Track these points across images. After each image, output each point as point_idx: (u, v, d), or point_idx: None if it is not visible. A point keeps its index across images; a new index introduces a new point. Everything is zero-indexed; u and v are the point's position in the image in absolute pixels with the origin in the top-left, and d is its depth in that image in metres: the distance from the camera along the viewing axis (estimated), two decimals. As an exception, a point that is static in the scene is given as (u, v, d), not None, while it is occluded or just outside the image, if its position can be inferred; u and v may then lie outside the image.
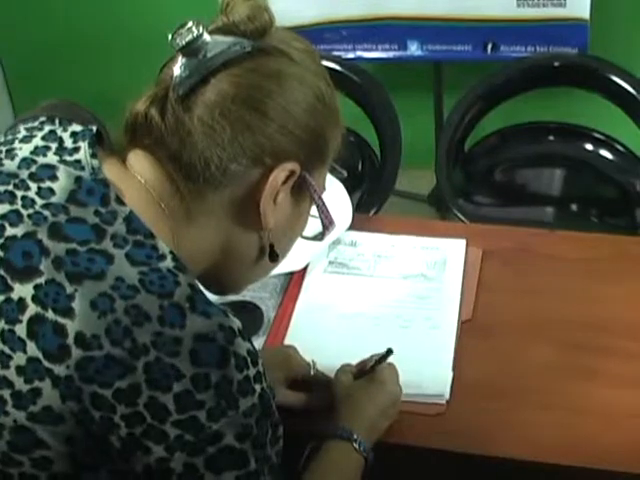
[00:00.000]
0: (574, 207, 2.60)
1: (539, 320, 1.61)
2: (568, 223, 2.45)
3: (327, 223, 1.17)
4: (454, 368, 1.50)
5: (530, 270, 1.73)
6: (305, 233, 1.22)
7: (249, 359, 0.99)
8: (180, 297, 0.97)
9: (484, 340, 1.57)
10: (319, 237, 1.21)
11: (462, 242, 1.77)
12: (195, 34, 1.05)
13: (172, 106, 1.05)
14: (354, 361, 1.45)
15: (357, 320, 1.62)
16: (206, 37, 1.06)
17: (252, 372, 0.99)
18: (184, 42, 1.05)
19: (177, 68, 1.06)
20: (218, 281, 1.17)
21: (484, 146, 2.77)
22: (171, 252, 1.01)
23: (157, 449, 0.95)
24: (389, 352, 1.42)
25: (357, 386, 1.39)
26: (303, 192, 1.13)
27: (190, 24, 1.06)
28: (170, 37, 1.07)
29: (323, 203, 1.15)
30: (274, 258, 1.16)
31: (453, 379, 1.48)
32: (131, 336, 0.94)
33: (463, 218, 2.40)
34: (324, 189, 1.17)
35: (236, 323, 1.00)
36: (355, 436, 1.30)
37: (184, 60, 1.06)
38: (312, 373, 1.46)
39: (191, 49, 1.06)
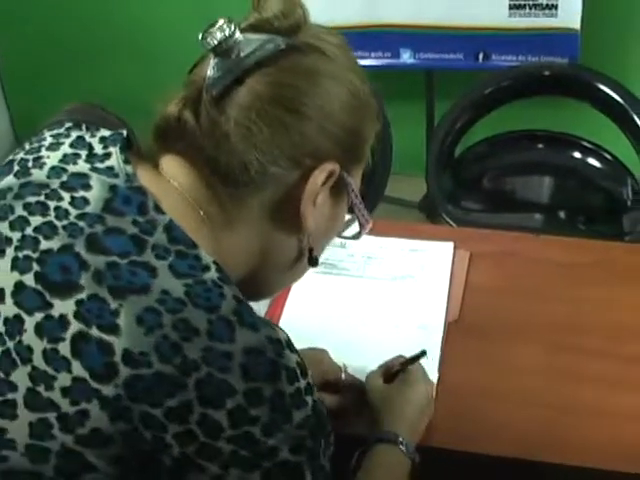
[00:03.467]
0: (562, 214, 2.63)
1: (524, 322, 1.63)
2: (556, 230, 2.47)
3: (364, 222, 1.14)
4: (440, 368, 1.52)
5: (516, 273, 1.75)
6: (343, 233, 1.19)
7: (298, 371, 0.95)
8: (227, 310, 0.93)
9: (470, 340, 1.59)
10: (357, 236, 1.17)
11: (450, 245, 1.80)
12: (227, 33, 1.01)
13: (206, 108, 1.00)
14: (345, 360, 1.47)
15: (346, 320, 1.64)
16: (238, 35, 1.02)
17: (303, 384, 0.95)
18: (215, 41, 1.01)
19: (209, 69, 1.01)
20: (254, 286, 1.09)
21: (474, 153, 2.80)
22: (214, 262, 0.96)
23: (211, 467, 0.91)
24: (423, 353, 1.45)
25: (393, 390, 1.40)
26: (341, 192, 1.09)
27: (221, 22, 1.02)
28: (200, 36, 1.02)
29: (360, 202, 1.11)
30: (314, 262, 1.13)
31: (439, 379, 1.50)
32: (181, 352, 0.89)
33: (452, 223, 2.43)
34: (360, 188, 1.13)
35: (283, 334, 0.96)
36: (400, 439, 1.31)
37: (216, 60, 1.02)
38: (343, 377, 1.46)
39: (223, 49, 1.01)
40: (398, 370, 1.44)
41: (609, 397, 1.47)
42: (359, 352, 1.54)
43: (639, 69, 3.14)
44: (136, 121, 1.11)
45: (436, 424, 1.41)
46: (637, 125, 2.51)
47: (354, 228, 1.18)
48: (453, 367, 1.53)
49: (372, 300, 1.68)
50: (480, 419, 1.45)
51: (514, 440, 1.41)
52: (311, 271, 1.63)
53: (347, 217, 1.17)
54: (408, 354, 1.48)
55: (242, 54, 1.02)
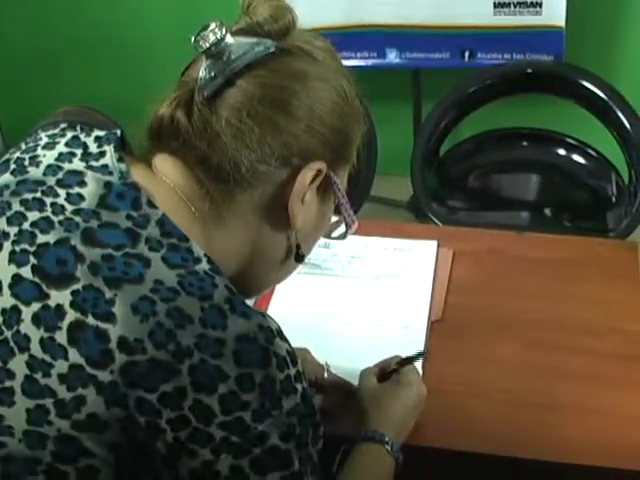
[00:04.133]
0: (547, 211, 2.63)
1: (508, 320, 1.64)
2: (541, 227, 2.47)
3: (350, 222, 1.17)
4: (424, 367, 1.52)
5: (500, 271, 1.75)
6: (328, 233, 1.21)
7: (289, 359, 0.98)
8: (219, 299, 0.96)
9: (454, 339, 1.60)
10: (342, 236, 1.20)
11: (433, 243, 1.80)
12: (218, 36, 1.04)
13: (198, 108, 1.04)
14: (328, 359, 1.48)
15: (329, 320, 1.64)
16: (229, 39, 1.05)
17: (292, 372, 0.98)
18: (207, 44, 1.04)
19: (201, 70, 1.05)
20: (245, 283, 1.12)
21: (459, 152, 2.80)
22: (205, 255, 1.00)
23: (203, 452, 0.93)
24: (421, 354, 1.45)
25: (385, 389, 1.40)
26: (328, 191, 1.13)
27: (213, 26, 1.05)
28: (193, 39, 1.05)
29: (347, 202, 1.15)
30: (300, 258, 1.16)
31: (423, 378, 1.48)
32: (175, 339, 0.92)
33: (437, 222, 2.43)
34: (346, 187, 1.16)
35: (274, 324, 0.99)
36: (387, 438, 1.31)
37: (208, 62, 1.05)
38: (326, 375, 1.46)
39: (215, 51, 1.04)
40: (393, 370, 1.44)
41: (591, 394, 1.48)
42: (342, 351, 1.54)
43: (624, 66, 3.15)
44: (126, 125, 1.14)
45: (419, 422, 1.41)
46: (621, 121, 2.51)
47: (341, 228, 1.20)
48: (436, 366, 1.53)
49: (355, 300, 1.69)
50: (463, 417, 1.46)
51: (497, 438, 1.42)
52: (295, 271, 1.64)
53: (334, 219, 1.19)
54: (391, 353, 1.49)
55: (233, 56, 1.05)
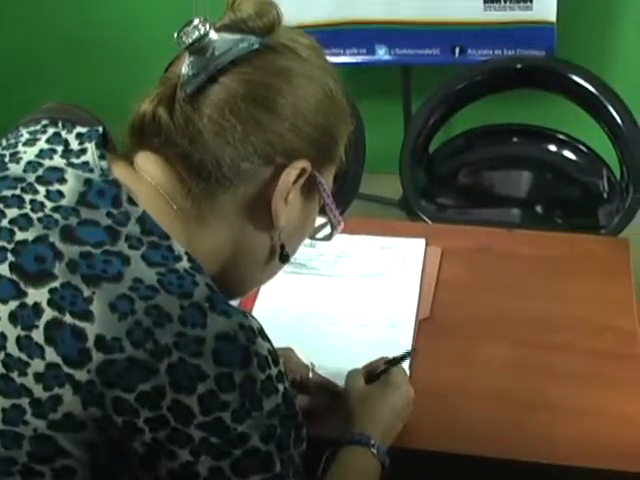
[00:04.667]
0: (538, 208, 2.61)
1: (497, 318, 1.62)
2: (532, 224, 2.45)
3: (335, 223, 1.16)
4: (411, 366, 1.49)
5: (489, 269, 1.74)
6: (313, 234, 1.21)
7: (270, 358, 0.97)
8: (199, 297, 0.95)
9: (441, 339, 1.58)
10: (327, 237, 1.19)
11: (421, 241, 1.78)
12: (202, 32, 1.03)
13: (180, 105, 1.03)
14: (313, 359, 1.45)
15: (315, 319, 1.62)
16: (213, 35, 1.04)
17: (274, 372, 0.97)
18: (190, 40, 1.03)
19: (184, 67, 1.04)
20: (228, 283, 1.11)
21: (448, 148, 2.79)
22: (186, 253, 0.99)
23: (182, 453, 0.93)
24: (408, 354, 1.43)
25: (372, 391, 1.38)
26: (313, 191, 1.12)
27: (196, 22, 1.04)
28: (176, 35, 1.04)
29: (332, 202, 1.14)
30: (284, 259, 1.15)
31: (410, 378, 1.46)
32: (153, 337, 0.91)
33: (427, 219, 2.41)
34: (332, 188, 1.15)
35: (256, 323, 0.98)
36: (373, 441, 1.29)
37: (191, 58, 1.04)
38: (311, 375, 1.45)
39: (198, 47, 1.03)
40: (381, 371, 1.42)
41: (582, 393, 1.46)
42: (328, 352, 1.52)
43: (615, 61, 3.14)
44: (114, 125, 1.13)
45: (407, 424, 1.39)
46: (613, 117, 2.50)
47: (326, 229, 1.19)
48: (424, 365, 1.51)
49: (342, 299, 1.67)
50: (451, 418, 1.43)
51: (486, 439, 1.40)
52: (280, 271, 1.62)
53: (321, 220, 1.18)
54: (378, 353, 1.47)
55: (217, 53, 1.04)
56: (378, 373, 1.42)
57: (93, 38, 3.45)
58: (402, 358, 1.44)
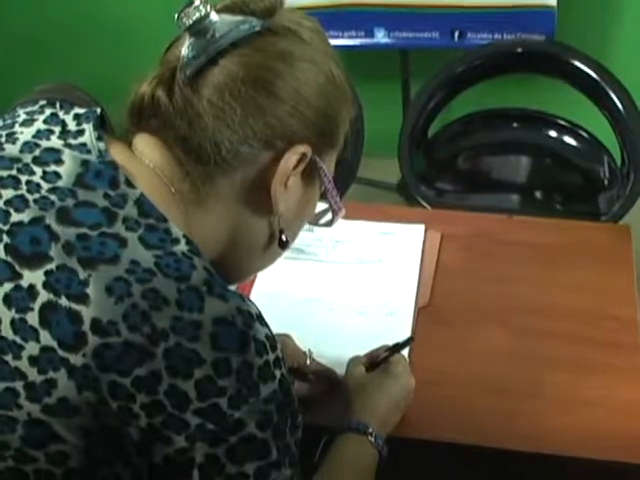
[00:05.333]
0: (538, 194, 2.59)
1: (497, 306, 1.61)
2: (532, 210, 2.44)
3: (336, 209, 1.15)
4: (410, 354, 1.49)
5: (488, 255, 1.72)
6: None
7: (268, 344, 0.96)
8: (197, 280, 0.94)
9: (441, 326, 1.57)
10: (328, 223, 1.19)
11: (421, 227, 1.77)
12: (202, 13, 1.02)
13: (180, 87, 1.02)
14: (311, 346, 1.45)
15: (312, 306, 1.61)
16: (214, 16, 1.03)
17: (272, 357, 0.96)
18: (191, 21, 1.02)
19: (184, 48, 1.03)
20: (226, 269, 1.10)
21: (447, 133, 2.77)
22: (184, 236, 0.98)
23: (178, 439, 0.92)
24: (410, 340, 1.42)
25: (371, 379, 1.38)
26: (313, 176, 1.10)
27: (197, 2, 1.02)
28: (176, 16, 1.03)
29: (333, 188, 1.12)
30: (283, 245, 1.13)
31: (409, 365, 1.46)
32: (150, 321, 0.91)
33: (425, 205, 2.40)
34: (333, 173, 1.14)
35: (254, 307, 0.97)
36: (370, 430, 1.29)
37: (191, 40, 1.03)
38: (308, 362, 1.44)
39: (198, 29, 1.02)
40: (382, 359, 1.41)
41: (581, 383, 1.45)
42: (326, 339, 1.51)
43: (616, 45, 3.12)
44: (109, 106, 1.12)
45: (405, 412, 1.38)
46: (613, 102, 2.48)
47: (327, 216, 1.18)
48: (423, 354, 1.50)
49: (340, 285, 1.65)
50: (449, 407, 1.43)
51: (483, 428, 1.39)
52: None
53: (322, 206, 1.17)
54: (376, 341, 1.46)
55: (217, 35, 1.02)
56: (379, 361, 1.41)
57: (93, 21, 3.43)
58: (403, 345, 1.42)
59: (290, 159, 1.05)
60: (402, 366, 1.40)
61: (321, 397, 1.41)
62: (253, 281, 1.64)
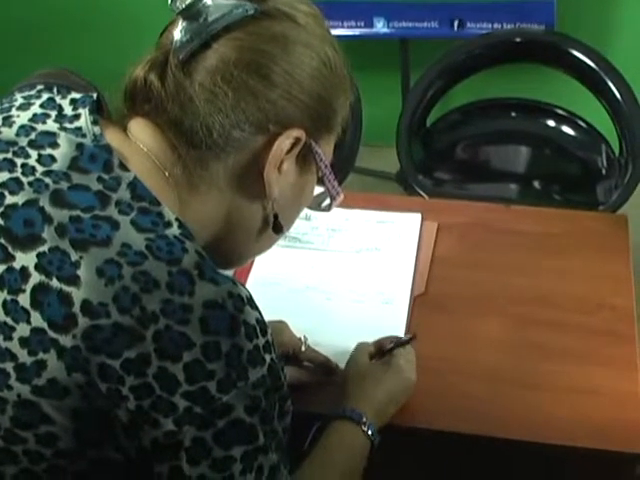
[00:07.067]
0: (536, 184, 2.59)
1: (493, 295, 1.60)
2: (530, 200, 2.43)
3: (334, 194, 1.15)
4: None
5: (485, 245, 1.72)
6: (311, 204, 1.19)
7: (258, 328, 0.96)
8: (188, 264, 0.94)
9: (437, 315, 1.56)
10: (326, 208, 1.18)
11: (417, 216, 1.76)
12: None
13: (172, 71, 1.02)
14: (307, 333, 1.44)
15: (309, 294, 1.60)
16: (207, 0, 1.02)
17: (261, 342, 0.96)
18: (184, 5, 1.02)
19: (177, 32, 1.03)
20: (221, 254, 1.10)
21: (446, 122, 2.76)
22: (177, 219, 0.98)
23: (166, 422, 0.92)
24: (412, 338, 1.42)
25: (372, 369, 1.37)
26: (309, 161, 1.10)
27: None
28: (170, 0, 1.02)
29: (330, 173, 1.12)
30: (278, 229, 1.13)
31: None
32: (140, 304, 0.91)
33: (423, 194, 2.39)
34: (331, 159, 1.13)
35: (245, 291, 0.97)
36: (364, 419, 1.28)
37: (184, 24, 1.02)
38: (303, 349, 1.44)
39: (191, 12, 1.02)
40: (388, 350, 1.40)
41: (579, 372, 1.45)
42: (321, 327, 1.51)
43: (616, 35, 3.12)
44: (105, 91, 1.12)
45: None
46: (612, 92, 2.47)
47: (325, 201, 1.18)
48: (418, 342, 1.48)
49: (336, 274, 1.65)
50: (445, 396, 1.42)
51: (480, 417, 1.38)
52: (275, 244, 1.60)
53: (319, 190, 1.17)
54: (372, 329, 1.46)
55: (210, 18, 1.02)
56: (384, 352, 1.40)
57: (88, 6, 3.43)
58: (406, 342, 1.42)
59: (283, 143, 1.04)
60: (405, 361, 1.39)
61: (315, 385, 1.41)
62: (250, 269, 1.64)
